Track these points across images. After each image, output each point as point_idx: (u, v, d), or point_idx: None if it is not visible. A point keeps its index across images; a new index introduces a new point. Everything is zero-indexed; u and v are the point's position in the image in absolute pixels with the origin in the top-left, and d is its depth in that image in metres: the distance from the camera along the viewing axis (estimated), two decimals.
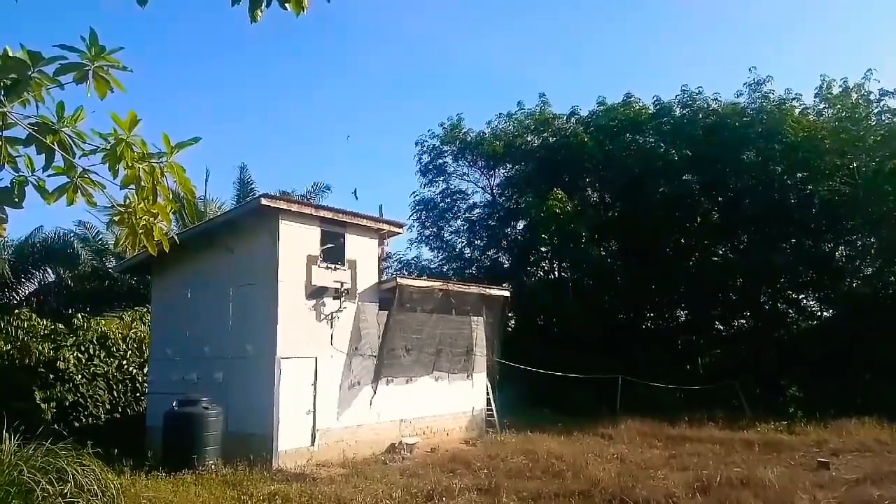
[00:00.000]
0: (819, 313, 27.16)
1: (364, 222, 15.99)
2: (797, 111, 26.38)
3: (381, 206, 19.02)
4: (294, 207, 14.62)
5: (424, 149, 33.50)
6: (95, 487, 8.02)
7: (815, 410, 19.80)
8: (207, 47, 64.45)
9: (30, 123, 3.17)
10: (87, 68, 3.13)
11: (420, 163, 33.62)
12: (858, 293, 25.18)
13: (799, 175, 25.67)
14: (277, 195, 15.91)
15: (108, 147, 3.30)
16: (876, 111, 26.13)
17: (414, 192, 33.94)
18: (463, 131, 32.58)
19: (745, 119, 26.62)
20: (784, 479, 11.13)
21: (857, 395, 21.35)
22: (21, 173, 3.29)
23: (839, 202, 24.05)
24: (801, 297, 27.25)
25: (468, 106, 78.55)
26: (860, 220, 24.53)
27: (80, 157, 3.33)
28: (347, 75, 69.11)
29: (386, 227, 16.83)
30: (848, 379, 22.37)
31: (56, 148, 3.22)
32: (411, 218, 33.44)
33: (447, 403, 17.83)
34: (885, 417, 17.90)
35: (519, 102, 32.84)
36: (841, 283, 26.01)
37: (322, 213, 15.11)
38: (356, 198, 20.81)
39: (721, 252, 28.35)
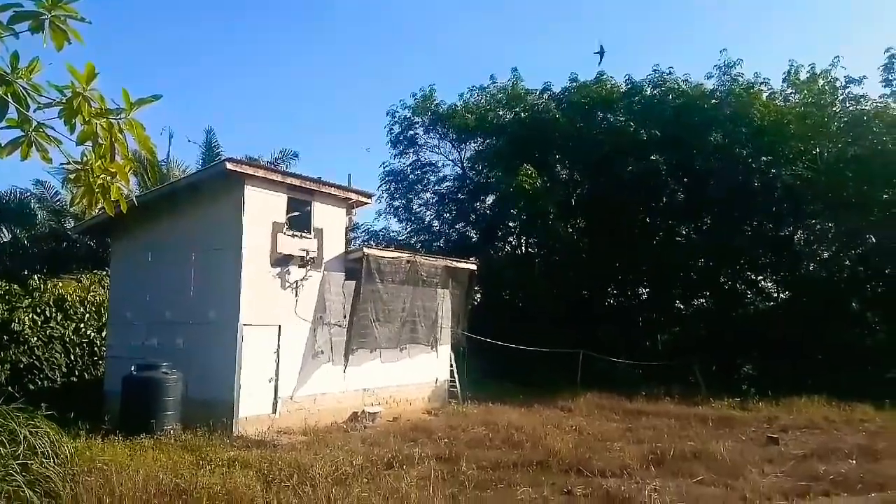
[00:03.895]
0: (776, 295, 27.79)
1: (332, 191, 15.83)
2: (765, 95, 26.68)
3: (349, 176, 19.02)
4: (260, 173, 14.35)
5: (396, 119, 33.14)
6: (48, 450, 7.91)
7: (768, 389, 20.40)
8: (180, 14, 62.55)
9: None
10: (43, 17, 3.02)
11: (391, 133, 33.27)
12: (815, 276, 25.91)
13: (764, 159, 26.00)
14: (243, 160, 15.56)
15: (65, 101, 3.19)
16: (841, 98, 26.60)
17: (384, 163, 33.65)
18: (435, 103, 32.19)
19: (713, 101, 26.85)
20: (735, 453, 11.51)
21: (808, 374, 22.02)
22: None
23: (801, 187, 24.44)
24: (759, 278, 27.82)
25: (441, 79, 77.83)
26: (820, 205, 25.00)
27: (35, 111, 3.21)
28: (322, 45, 67.84)
29: (354, 196, 16.68)
30: (801, 359, 23.01)
31: (9, 100, 3.09)
32: (380, 189, 33.20)
33: (411, 374, 17.93)
34: (835, 396, 18.56)
35: (491, 76, 32.61)
36: (798, 266, 26.70)
37: (289, 181, 14.90)
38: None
39: (685, 232, 28.77)
